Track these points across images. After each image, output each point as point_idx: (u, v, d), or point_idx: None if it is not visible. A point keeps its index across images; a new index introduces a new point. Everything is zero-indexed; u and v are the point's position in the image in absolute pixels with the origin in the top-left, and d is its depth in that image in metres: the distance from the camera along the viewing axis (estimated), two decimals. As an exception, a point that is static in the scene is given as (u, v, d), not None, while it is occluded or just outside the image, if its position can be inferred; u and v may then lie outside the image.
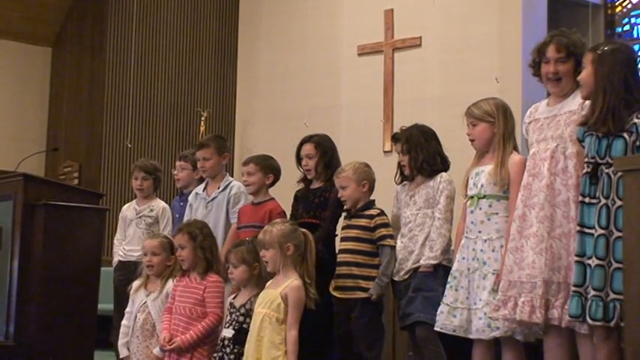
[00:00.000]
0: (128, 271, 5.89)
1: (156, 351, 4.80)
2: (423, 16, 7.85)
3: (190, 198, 5.72)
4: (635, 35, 8.22)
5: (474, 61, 7.41)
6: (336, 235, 5.09)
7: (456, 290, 4.27)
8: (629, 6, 8.27)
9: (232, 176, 5.92)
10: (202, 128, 9.37)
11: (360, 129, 8.09)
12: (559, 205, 3.84)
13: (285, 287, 4.40)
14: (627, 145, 3.53)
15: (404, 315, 4.71)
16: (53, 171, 9.86)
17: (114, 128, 9.34)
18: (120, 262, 6.20)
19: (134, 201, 6.38)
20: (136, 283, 5.15)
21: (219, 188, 5.55)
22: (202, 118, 9.40)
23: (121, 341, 5.08)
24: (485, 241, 4.21)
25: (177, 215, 5.99)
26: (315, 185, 5.19)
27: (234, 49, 9.64)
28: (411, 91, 7.85)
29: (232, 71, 9.72)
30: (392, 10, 8.05)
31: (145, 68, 9.54)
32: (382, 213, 4.84)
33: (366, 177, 4.88)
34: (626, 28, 8.28)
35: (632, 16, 8.25)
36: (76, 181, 9.44)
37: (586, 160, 3.66)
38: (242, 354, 4.46)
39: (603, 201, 3.52)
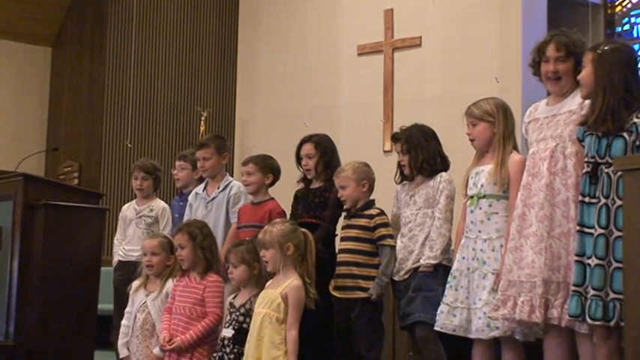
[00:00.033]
0: (128, 271, 5.88)
1: (156, 351, 4.80)
2: (422, 15, 7.85)
3: (190, 198, 5.72)
4: (635, 35, 8.22)
5: (473, 61, 7.41)
6: (336, 235, 5.09)
7: (456, 290, 4.27)
8: (629, 5, 8.27)
9: (232, 176, 5.92)
10: (202, 128, 9.36)
11: (360, 129, 8.09)
12: (558, 205, 3.84)
13: (285, 287, 4.40)
14: (627, 144, 3.53)
15: (404, 315, 4.71)
16: (53, 171, 9.86)
17: (114, 128, 9.34)
18: (120, 261, 6.20)
19: (134, 201, 6.38)
20: (135, 283, 5.15)
21: (219, 188, 5.55)
22: (202, 118, 9.40)
23: (120, 341, 5.08)
24: (485, 240, 4.21)
25: (176, 215, 5.99)
26: (315, 185, 5.19)
27: (234, 48, 9.65)
28: (410, 90, 7.85)
29: (232, 71, 9.72)
30: (392, 9, 8.05)
31: (145, 68, 9.54)
32: (382, 213, 4.84)
33: (366, 177, 4.88)
34: (626, 27, 8.28)
35: (632, 16, 8.25)
36: (76, 181, 9.43)
37: (586, 159, 3.65)
38: (242, 354, 4.46)
39: (603, 201, 3.52)
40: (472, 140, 4.39)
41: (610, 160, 3.52)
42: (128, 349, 5.01)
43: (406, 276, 4.72)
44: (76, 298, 5.54)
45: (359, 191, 4.85)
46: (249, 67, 9.35)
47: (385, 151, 7.76)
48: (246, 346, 4.43)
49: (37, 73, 10.25)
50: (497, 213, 4.22)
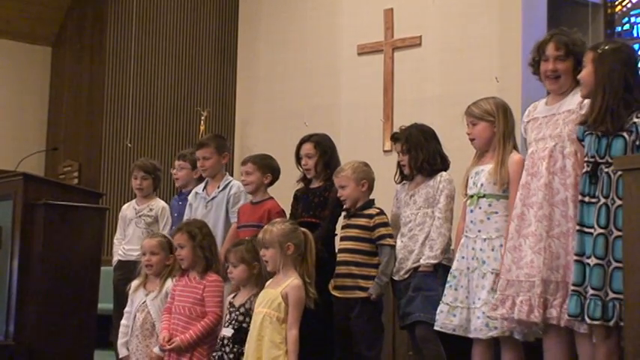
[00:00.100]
0: (128, 270, 5.87)
1: (156, 350, 4.80)
2: (422, 15, 7.85)
3: (190, 197, 5.72)
4: (635, 34, 8.22)
5: (473, 61, 7.40)
6: (336, 235, 5.09)
7: (456, 289, 4.27)
8: (629, 5, 8.27)
9: (232, 176, 5.92)
10: (202, 128, 9.36)
11: (360, 128, 8.09)
12: (557, 204, 3.84)
13: (285, 286, 4.39)
14: (627, 144, 3.53)
15: (404, 314, 4.71)
16: (53, 171, 9.86)
17: (114, 128, 9.34)
18: (119, 261, 6.20)
19: (134, 200, 6.38)
20: (134, 283, 5.14)
21: (218, 188, 5.55)
22: (202, 118, 9.40)
23: (120, 341, 5.08)
24: (485, 240, 4.21)
25: (176, 214, 5.99)
26: (315, 185, 5.19)
27: (234, 49, 9.65)
28: (410, 90, 7.85)
29: (232, 71, 9.72)
30: (392, 9, 8.05)
31: (145, 68, 9.53)
32: (381, 212, 4.84)
33: (366, 176, 4.87)
34: (626, 27, 8.28)
35: (632, 16, 8.25)
36: (75, 181, 9.43)
37: (586, 159, 3.65)
38: (241, 353, 4.46)
39: (603, 200, 3.52)
40: (472, 140, 4.39)
41: (610, 160, 3.52)
42: (128, 348, 5.01)
43: (406, 275, 4.72)
44: (76, 298, 5.54)
45: (358, 191, 4.85)
46: (249, 67, 9.35)
47: (385, 151, 7.75)
48: (247, 345, 4.42)
49: (37, 72, 10.25)
50: (497, 212, 4.22)
